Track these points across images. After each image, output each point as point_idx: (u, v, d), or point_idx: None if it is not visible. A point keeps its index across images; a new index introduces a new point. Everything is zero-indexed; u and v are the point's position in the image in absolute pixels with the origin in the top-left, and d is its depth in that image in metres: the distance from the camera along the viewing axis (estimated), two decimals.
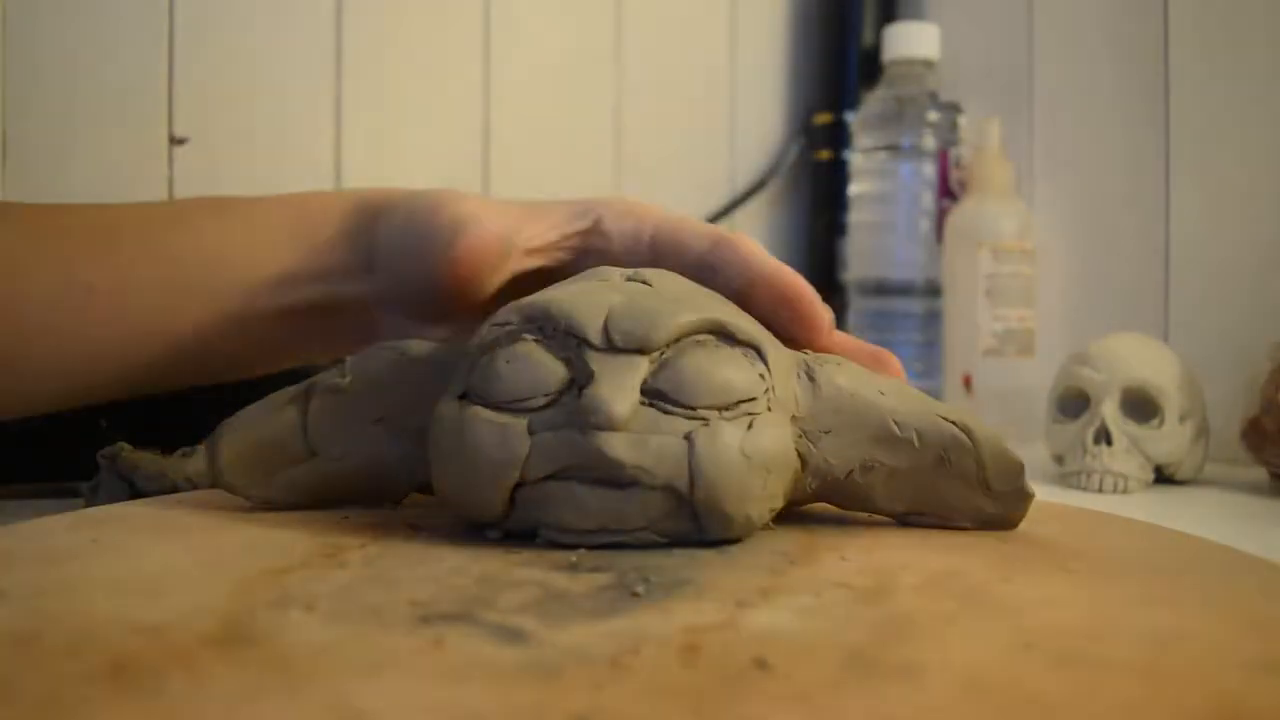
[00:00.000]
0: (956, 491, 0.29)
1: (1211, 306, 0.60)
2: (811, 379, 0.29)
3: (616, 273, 0.30)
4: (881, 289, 0.74)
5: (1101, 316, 0.66)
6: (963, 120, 0.73)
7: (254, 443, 0.29)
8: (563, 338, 0.27)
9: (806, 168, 0.84)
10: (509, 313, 0.28)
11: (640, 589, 0.22)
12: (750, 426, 0.26)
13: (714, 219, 0.81)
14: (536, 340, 0.27)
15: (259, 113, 0.62)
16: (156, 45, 0.58)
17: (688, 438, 0.25)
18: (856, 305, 0.75)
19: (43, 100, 0.55)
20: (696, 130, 0.82)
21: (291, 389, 0.30)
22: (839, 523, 0.30)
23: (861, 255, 0.75)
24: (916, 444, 0.28)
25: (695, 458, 0.25)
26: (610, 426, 0.25)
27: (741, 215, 0.83)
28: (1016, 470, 0.29)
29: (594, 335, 0.26)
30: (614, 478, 0.25)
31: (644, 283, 0.29)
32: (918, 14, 0.82)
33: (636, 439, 0.25)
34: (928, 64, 0.73)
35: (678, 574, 0.23)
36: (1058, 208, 0.70)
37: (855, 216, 0.76)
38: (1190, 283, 0.61)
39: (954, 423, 0.28)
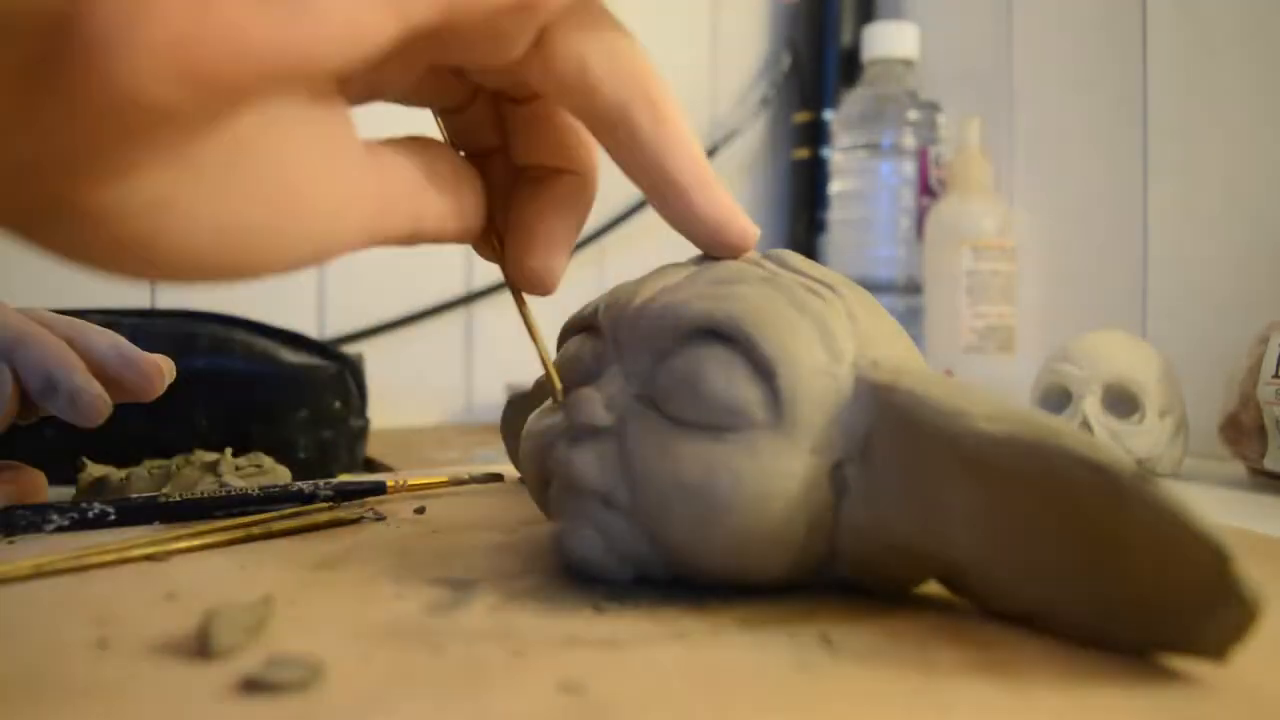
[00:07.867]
0: (1087, 573, 0.18)
1: (1189, 303, 0.61)
2: (867, 401, 0.21)
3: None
4: (862, 286, 0.74)
5: (1081, 313, 0.67)
6: (942, 119, 0.74)
7: None
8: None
9: (786, 165, 0.85)
10: (590, 305, 0.25)
11: None
12: (725, 446, 0.20)
13: None
14: (587, 334, 0.25)
15: None
16: None
17: (626, 450, 0.21)
18: None
19: None
20: None
21: None
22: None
23: (842, 253, 0.75)
24: (1012, 479, 0.18)
25: (636, 476, 0.21)
26: (582, 433, 0.22)
27: None
28: (1203, 543, 0.16)
29: (606, 329, 0.24)
30: (575, 490, 0.22)
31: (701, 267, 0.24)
32: (896, 14, 0.83)
33: (601, 451, 0.22)
34: (907, 63, 0.74)
35: None
36: (1037, 206, 0.71)
37: (836, 214, 0.76)
38: (1168, 280, 0.62)
39: (1090, 461, 0.17)
